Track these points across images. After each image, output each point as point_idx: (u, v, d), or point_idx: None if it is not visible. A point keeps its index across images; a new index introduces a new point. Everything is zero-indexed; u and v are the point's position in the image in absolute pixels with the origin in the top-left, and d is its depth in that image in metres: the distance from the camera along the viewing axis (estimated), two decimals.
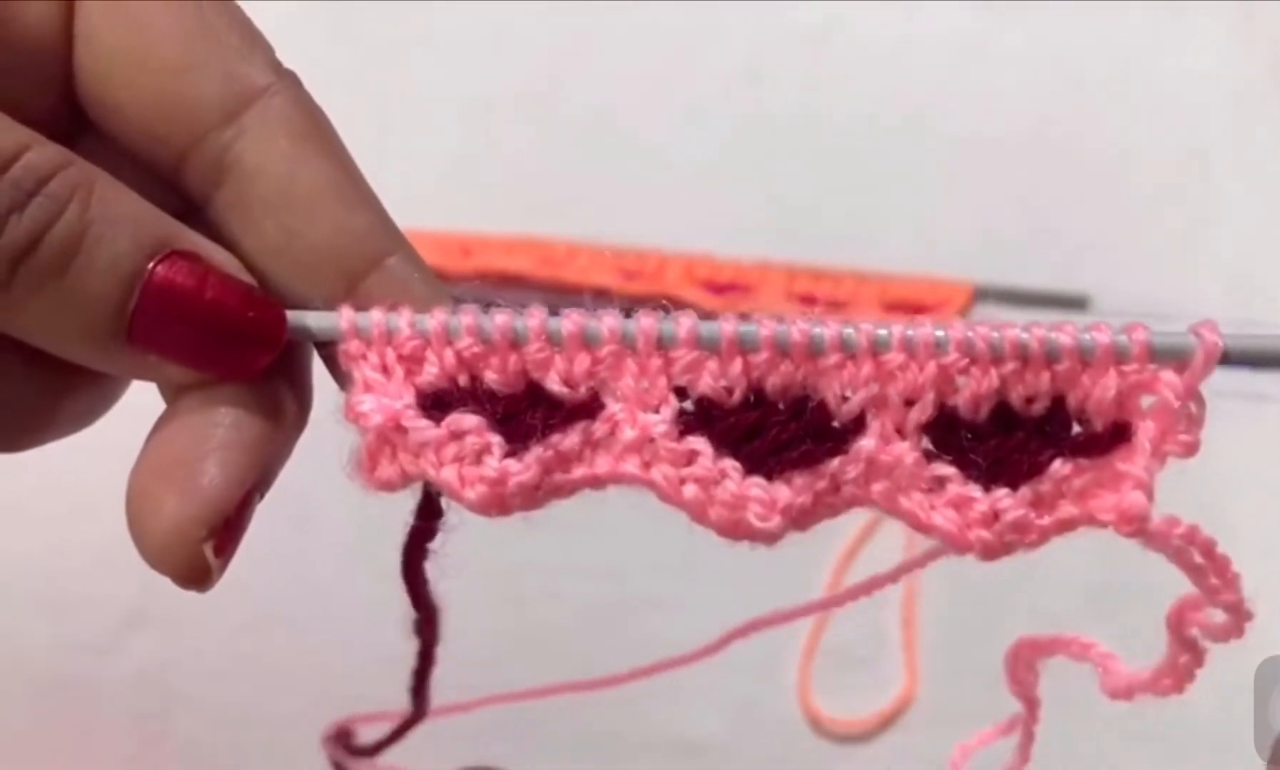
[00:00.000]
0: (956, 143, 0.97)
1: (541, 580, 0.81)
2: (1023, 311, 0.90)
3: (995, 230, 0.95)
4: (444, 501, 0.40)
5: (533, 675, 0.79)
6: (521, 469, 0.37)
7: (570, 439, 0.38)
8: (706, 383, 0.37)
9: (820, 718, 0.81)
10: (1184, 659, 0.40)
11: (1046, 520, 0.37)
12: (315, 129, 0.39)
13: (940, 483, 0.37)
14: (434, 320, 0.38)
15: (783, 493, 0.37)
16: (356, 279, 0.38)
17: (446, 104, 0.99)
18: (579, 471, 0.38)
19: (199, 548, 0.37)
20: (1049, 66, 1.00)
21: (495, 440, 0.38)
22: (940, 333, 0.37)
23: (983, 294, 0.91)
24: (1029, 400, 0.37)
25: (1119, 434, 0.37)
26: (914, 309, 0.91)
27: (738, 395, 0.38)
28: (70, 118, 0.39)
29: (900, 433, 0.37)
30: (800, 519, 0.38)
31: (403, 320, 0.38)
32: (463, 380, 0.38)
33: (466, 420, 0.38)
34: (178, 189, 0.39)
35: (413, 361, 0.38)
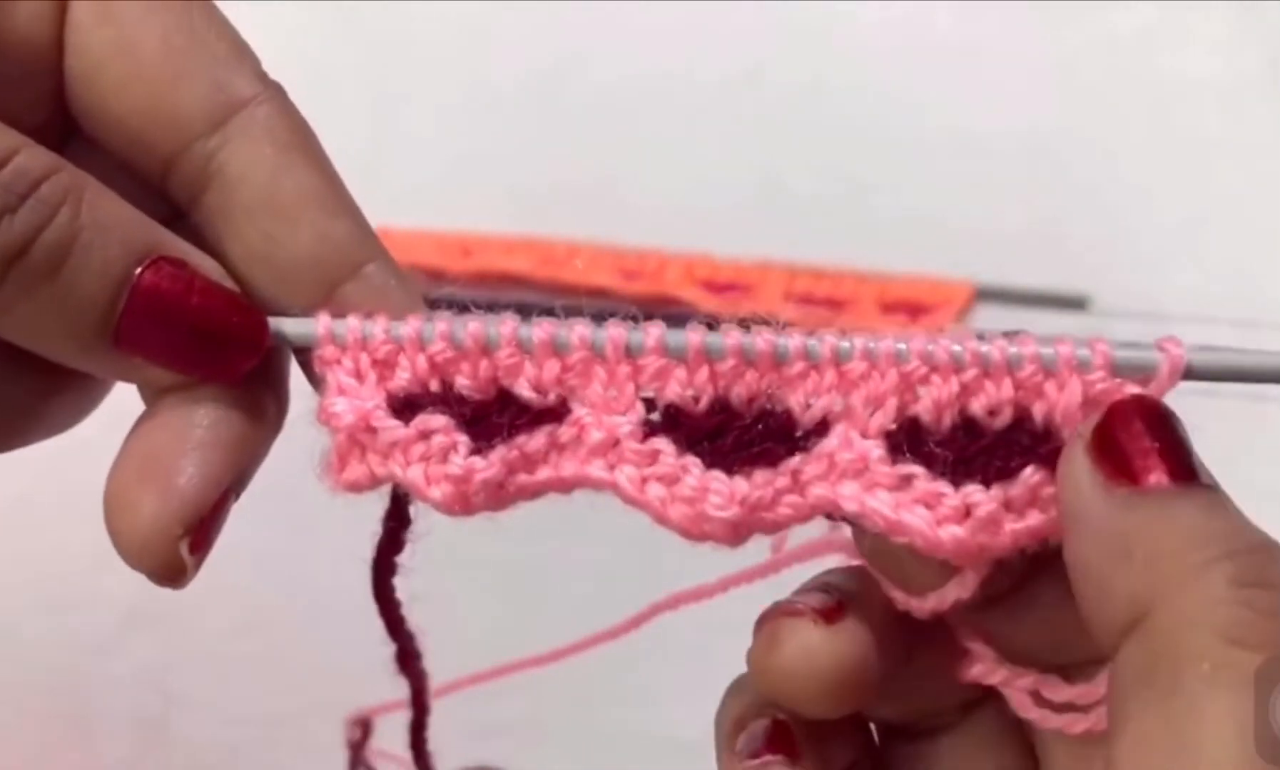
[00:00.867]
0: (956, 142, 0.97)
1: (540, 581, 0.81)
2: (1023, 311, 0.90)
3: (995, 230, 0.95)
4: (413, 509, 0.40)
5: (531, 678, 0.79)
6: (486, 467, 0.38)
7: (536, 440, 0.38)
8: (674, 390, 0.38)
9: None
10: None
11: (1019, 525, 0.37)
12: (299, 138, 0.40)
13: (907, 480, 0.37)
14: (408, 326, 0.39)
15: (741, 486, 0.38)
16: (335, 285, 0.39)
17: (446, 103, 0.99)
18: (544, 473, 0.39)
19: (175, 546, 0.37)
20: (1049, 66, 1.00)
21: (462, 440, 0.38)
22: (901, 345, 0.37)
23: (983, 294, 0.91)
24: (992, 412, 0.38)
25: None
26: (914, 309, 0.91)
27: (704, 403, 0.38)
28: (60, 124, 0.40)
29: (864, 436, 0.38)
30: (759, 512, 0.38)
31: (377, 326, 0.39)
32: (434, 385, 0.39)
33: (434, 420, 0.38)
34: (164, 195, 0.40)
35: (386, 366, 0.39)
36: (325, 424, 0.39)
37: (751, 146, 0.98)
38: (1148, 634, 0.32)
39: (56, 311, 0.36)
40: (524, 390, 0.39)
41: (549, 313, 0.39)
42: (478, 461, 0.38)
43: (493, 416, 0.39)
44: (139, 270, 0.37)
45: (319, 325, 0.39)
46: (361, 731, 0.57)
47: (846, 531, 0.41)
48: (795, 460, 0.38)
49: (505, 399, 0.39)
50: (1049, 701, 0.39)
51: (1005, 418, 0.37)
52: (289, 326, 0.39)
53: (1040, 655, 0.40)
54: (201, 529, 0.38)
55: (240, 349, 0.38)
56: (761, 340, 0.38)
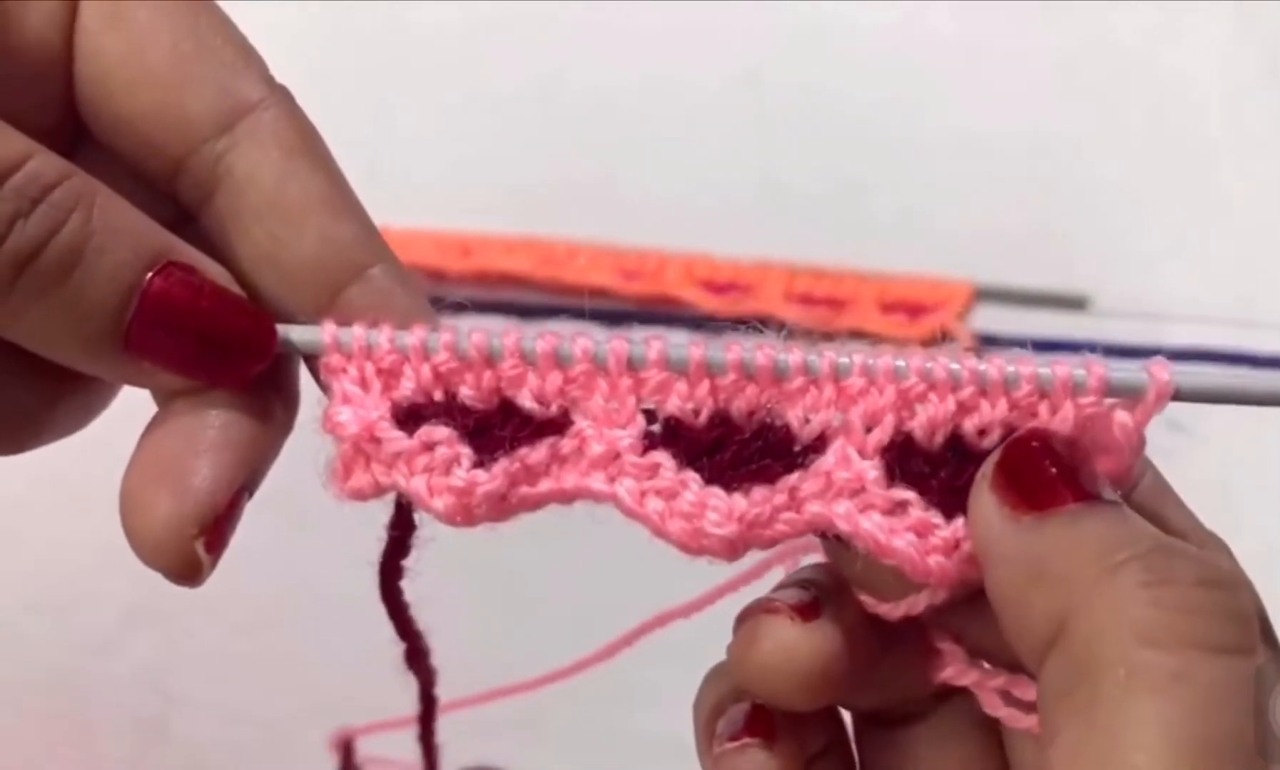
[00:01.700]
0: (956, 142, 0.97)
1: (539, 582, 0.81)
2: (1023, 311, 0.91)
3: (995, 230, 0.95)
4: (417, 516, 0.41)
5: (530, 669, 0.79)
6: (488, 479, 0.38)
7: (538, 453, 0.39)
8: (674, 403, 0.38)
9: None
10: None
11: None
12: (305, 142, 0.40)
13: (902, 506, 0.38)
14: (413, 336, 0.39)
15: (740, 503, 0.38)
16: (341, 288, 0.40)
17: (447, 104, 0.99)
18: (545, 485, 0.39)
19: (191, 545, 0.38)
20: (1049, 66, 1.00)
21: (465, 452, 0.39)
22: (900, 362, 0.38)
23: (983, 294, 0.91)
24: (982, 432, 0.38)
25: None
26: (914, 309, 0.91)
27: (704, 416, 0.39)
28: (69, 128, 0.40)
29: (861, 454, 0.38)
30: (757, 529, 0.38)
31: (382, 336, 0.39)
32: (438, 395, 0.39)
33: (438, 432, 0.39)
34: (172, 198, 0.40)
35: (391, 375, 0.39)
36: (330, 433, 0.39)
37: (751, 146, 0.99)
38: (1066, 647, 0.33)
39: (67, 316, 0.37)
40: (526, 401, 0.39)
41: (552, 314, 0.39)
42: (480, 474, 0.38)
43: (495, 429, 0.39)
44: (149, 276, 0.37)
45: (325, 334, 0.39)
46: (344, 753, 0.57)
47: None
48: (793, 478, 0.38)
49: (508, 410, 0.39)
50: (1018, 701, 0.40)
51: (994, 438, 0.38)
52: (296, 334, 0.39)
53: (1009, 653, 0.40)
54: (216, 528, 0.38)
55: (248, 354, 0.39)
56: (762, 355, 0.38)
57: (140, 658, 0.80)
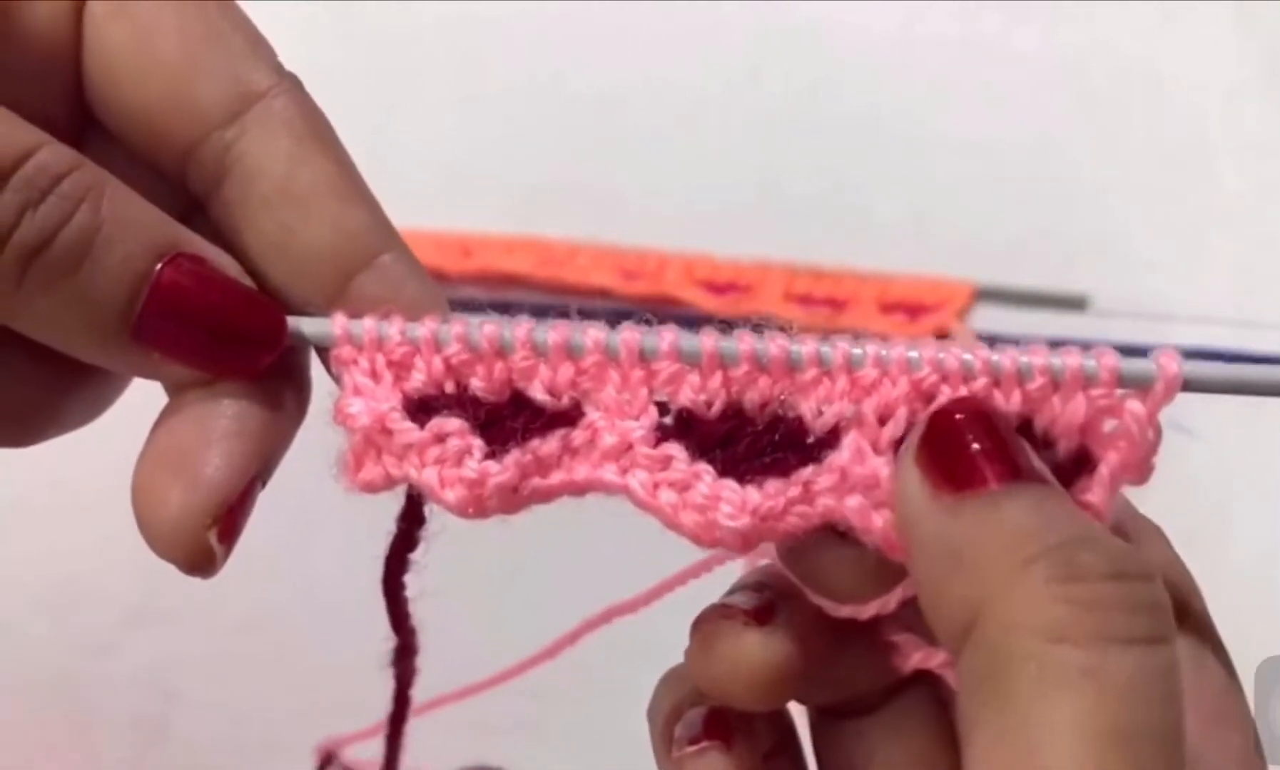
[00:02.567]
0: (957, 143, 0.97)
1: (538, 580, 0.81)
2: (1023, 312, 0.91)
3: (995, 230, 0.95)
4: (427, 509, 0.41)
5: (531, 679, 0.79)
6: (500, 471, 0.38)
7: (549, 444, 0.39)
8: (687, 395, 0.38)
9: None
10: None
11: None
12: (315, 130, 0.40)
13: None
14: (424, 328, 0.39)
15: (753, 496, 0.38)
16: (351, 275, 0.39)
17: (446, 104, 0.99)
18: (557, 477, 0.39)
19: (204, 535, 0.38)
20: (1049, 66, 1.00)
21: (476, 443, 0.38)
22: (913, 353, 0.37)
23: (983, 294, 0.91)
24: None
25: (1079, 462, 0.38)
26: (914, 309, 0.91)
27: (717, 408, 0.38)
28: (77, 118, 0.40)
29: (875, 449, 0.38)
30: (770, 522, 0.38)
31: (393, 327, 0.39)
32: (449, 387, 0.39)
33: (449, 423, 0.39)
34: (181, 187, 0.40)
35: (402, 367, 0.39)
36: (341, 424, 0.39)
37: (751, 147, 0.99)
38: (979, 641, 0.33)
39: (76, 307, 0.37)
40: (538, 393, 0.39)
41: (562, 314, 0.39)
42: (492, 465, 0.38)
43: (507, 420, 0.39)
44: (158, 267, 0.37)
45: (335, 326, 0.39)
46: (324, 762, 0.57)
47: None
48: (807, 471, 0.38)
49: (519, 401, 0.39)
50: None
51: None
52: (306, 325, 0.39)
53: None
54: (229, 518, 0.38)
55: (258, 346, 0.39)
56: (775, 346, 0.38)
57: (141, 658, 0.80)
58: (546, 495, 0.39)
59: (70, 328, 0.37)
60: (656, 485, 0.38)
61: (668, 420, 0.39)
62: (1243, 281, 0.91)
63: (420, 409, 0.39)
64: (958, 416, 0.36)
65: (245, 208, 0.39)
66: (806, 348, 0.38)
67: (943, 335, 0.88)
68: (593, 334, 0.38)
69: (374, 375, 0.39)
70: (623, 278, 0.93)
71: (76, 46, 0.39)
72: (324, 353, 0.40)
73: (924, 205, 0.96)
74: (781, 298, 0.91)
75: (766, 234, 0.93)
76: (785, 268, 0.93)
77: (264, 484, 0.40)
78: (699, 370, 0.38)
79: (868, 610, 0.39)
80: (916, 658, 0.40)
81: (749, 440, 0.38)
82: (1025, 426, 0.38)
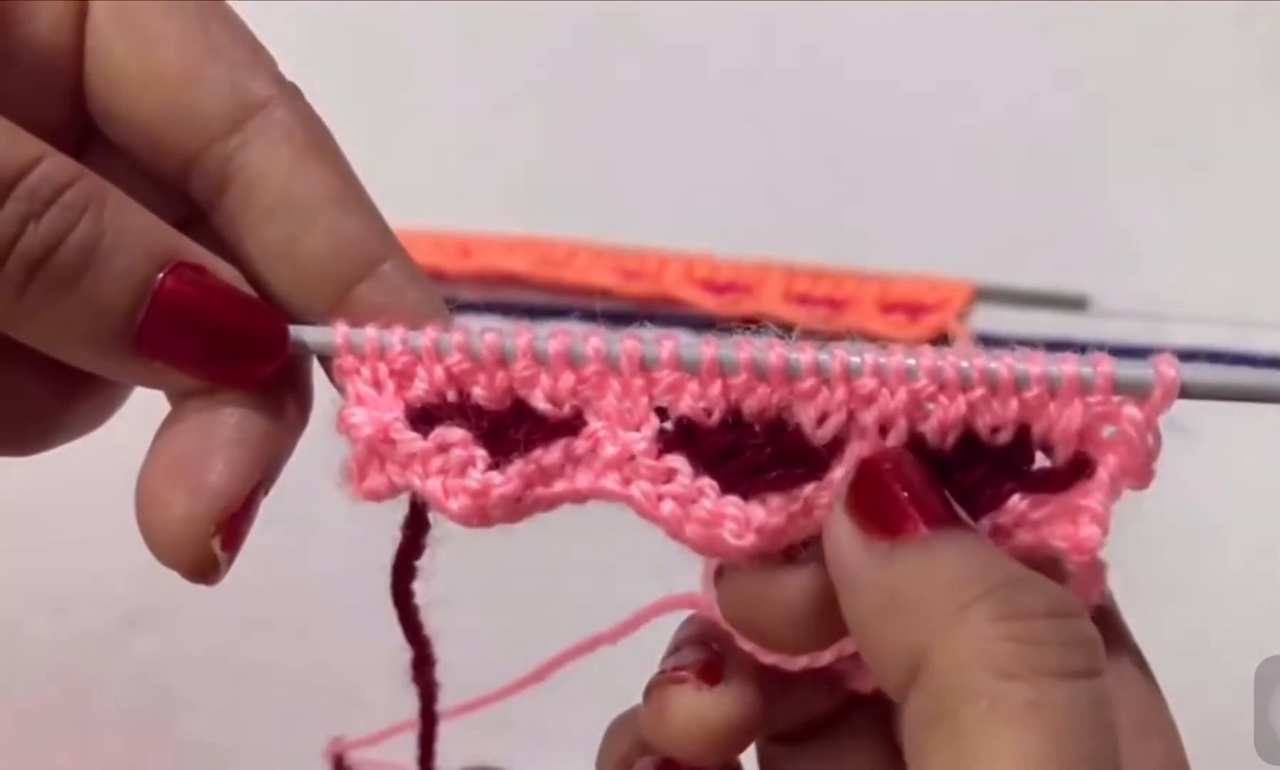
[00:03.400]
0: (956, 143, 0.97)
1: (537, 579, 0.81)
2: (1023, 311, 0.91)
3: (995, 230, 0.95)
4: (431, 514, 0.41)
5: (530, 669, 0.79)
6: (503, 481, 0.38)
7: (552, 454, 0.39)
8: (687, 403, 0.38)
9: None
10: None
11: (1003, 547, 0.38)
12: (316, 139, 0.40)
13: None
14: (425, 337, 0.39)
15: (758, 513, 0.38)
16: (352, 284, 0.40)
17: (446, 104, 0.99)
18: (560, 486, 0.39)
19: (208, 543, 0.38)
20: (1049, 66, 1.00)
21: (480, 454, 0.39)
22: (911, 361, 0.38)
23: (983, 294, 0.91)
24: (994, 430, 0.38)
25: (1077, 468, 0.38)
26: (914, 309, 0.91)
27: (716, 416, 0.38)
28: (79, 128, 0.41)
29: None
30: (773, 539, 0.38)
31: (395, 337, 0.39)
32: (451, 395, 0.39)
33: (452, 433, 0.39)
34: (182, 197, 0.41)
35: (404, 376, 0.39)
36: (345, 434, 0.39)
37: (751, 146, 0.99)
38: (927, 682, 0.34)
39: (79, 317, 0.37)
40: (539, 401, 0.39)
41: (552, 314, 0.39)
42: (495, 476, 0.38)
43: (510, 430, 0.39)
44: (160, 277, 0.37)
45: (337, 335, 0.39)
46: (336, 764, 0.57)
47: None
48: (809, 489, 0.38)
49: (521, 410, 0.39)
50: None
51: (1007, 436, 0.38)
52: (308, 334, 0.40)
53: None
54: (233, 525, 0.38)
55: (260, 355, 0.39)
56: (774, 355, 0.38)
57: (141, 658, 0.80)
58: (549, 504, 0.39)
59: (73, 338, 0.37)
60: (660, 497, 0.39)
61: (668, 426, 0.39)
62: (1242, 281, 0.91)
63: (423, 418, 0.39)
64: (885, 465, 0.37)
65: (246, 217, 0.40)
66: (805, 357, 0.38)
67: (943, 336, 0.88)
68: (593, 343, 0.38)
69: (376, 384, 0.39)
70: (623, 278, 0.93)
71: (78, 57, 0.39)
72: (326, 361, 0.40)
73: (924, 205, 0.96)
74: (781, 298, 0.91)
75: (766, 234, 0.93)
76: (785, 268, 0.93)
77: (267, 491, 0.40)
78: (699, 379, 0.38)
79: (796, 663, 0.40)
80: (867, 679, 0.41)
81: (751, 453, 0.38)
82: (1023, 433, 0.38)
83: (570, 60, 1.00)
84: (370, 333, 0.39)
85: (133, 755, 0.79)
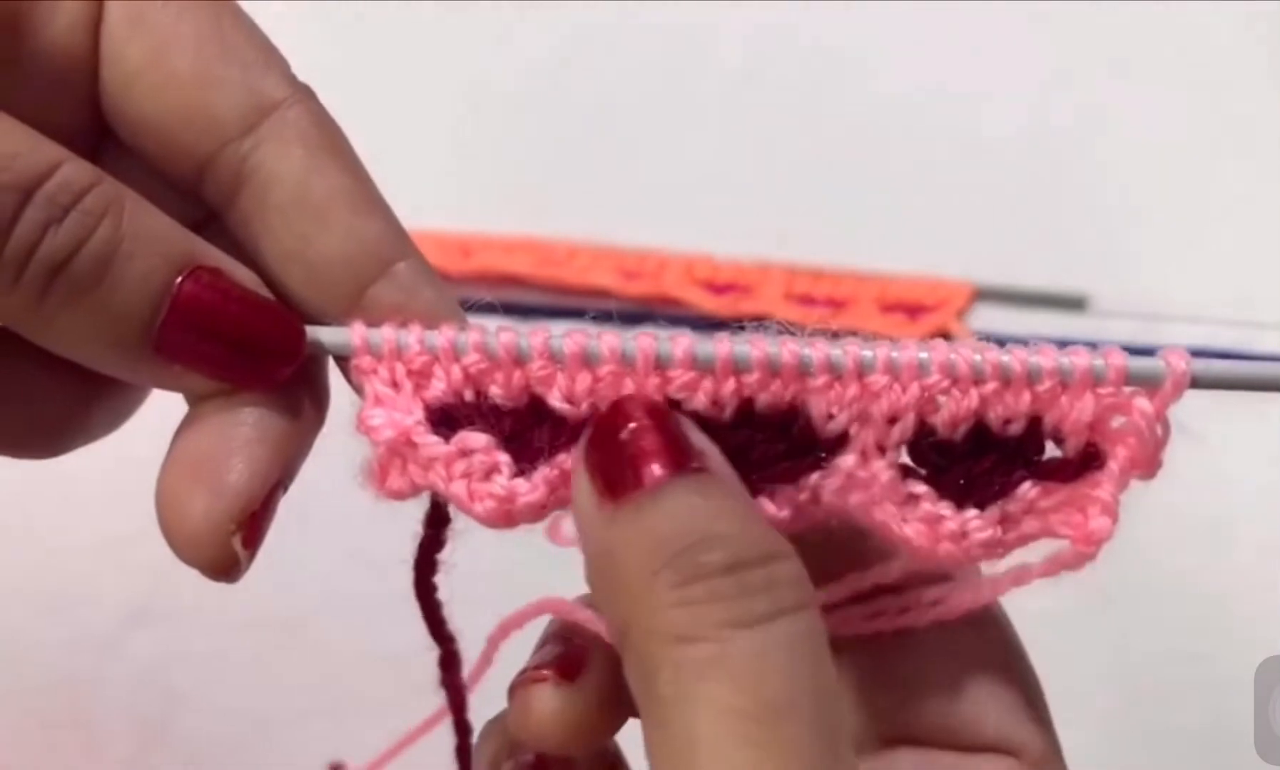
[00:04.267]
0: (956, 143, 0.97)
1: (538, 578, 0.81)
2: (1022, 311, 0.91)
3: (995, 230, 0.95)
4: (451, 509, 0.41)
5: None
6: (529, 489, 0.39)
7: (574, 458, 0.39)
8: (700, 401, 0.39)
9: None
10: None
11: (1011, 536, 0.39)
12: (329, 139, 0.40)
13: (914, 500, 0.39)
14: (442, 337, 0.39)
15: (767, 507, 0.39)
16: (367, 284, 0.40)
17: (446, 104, 0.99)
18: None
19: (228, 541, 0.38)
20: (1049, 66, 1.00)
21: (504, 460, 0.39)
22: (924, 355, 0.38)
23: (983, 294, 0.91)
24: (1006, 421, 0.38)
25: (1087, 459, 0.38)
26: (914, 309, 0.91)
27: (729, 412, 0.39)
28: (94, 130, 0.41)
29: (881, 449, 0.39)
30: (782, 529, 0.39)
31: (412, 337, 0.39)
32: (468, 395, 0.39)
33: (475, 439, 0.39)
34: (197, 198, 0.41)
35: (421, 376, 0.39)
36: (365, 435, 0.40)
37: (750, 147, 0.99)
38: (629, 651, 0.35)
39: (98, 321, 0.37)
40: (556, 400, 0.39)
41: (552, 315, 0.39)
42: (521, 484, 0.39)
43: (532, 435, 0.39)
44: (178, 280, 0.37)
45: (354, 335, 0.39)
46: None
47: None
48: (814, 477, 0.39)
49: (539, 410, 0.39)
50: None
51: (1019, 427, 0.38)
52: (325, 335, 0.40)
53: None
54: (253, 523, 0.39)
55: (277, 357, 0.39)
56: (787, 352, 0.38)
57: (142, 658, 0.80)
58: (570, 503, 0.39)
59: (93, 342, 0.38)
60: None
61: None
62: (1242, 281, 0.91)
63: (442, 418, 0.39)
64: (617, 420, 0.37)
65: (261, 218, 0.40)
66: (817, 354, 0.38)
67: (943, 336, 0.88)
68: (609, 342, 0.39)
69: (394, 384, 0.39)
70: (623, 278, 0.93)
71: (93, 61, 0.40)
72: (343, 362, 0.41)
73: (924, 205, 0.96)
74: (781, 298, 0.91)
75: (766, 234, 0.93)
76: (785, 268, 0.93)
77: (285, 490, 0.40)
78: (712, 376, 0.38)
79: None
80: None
81: (761, 449, 0.39)
82: (1034, 425, 0.38)
83: (571, 60, 1.00)
84: (387, 332, 0.39)
85: (133, 755, 0.79)
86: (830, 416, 0.38)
